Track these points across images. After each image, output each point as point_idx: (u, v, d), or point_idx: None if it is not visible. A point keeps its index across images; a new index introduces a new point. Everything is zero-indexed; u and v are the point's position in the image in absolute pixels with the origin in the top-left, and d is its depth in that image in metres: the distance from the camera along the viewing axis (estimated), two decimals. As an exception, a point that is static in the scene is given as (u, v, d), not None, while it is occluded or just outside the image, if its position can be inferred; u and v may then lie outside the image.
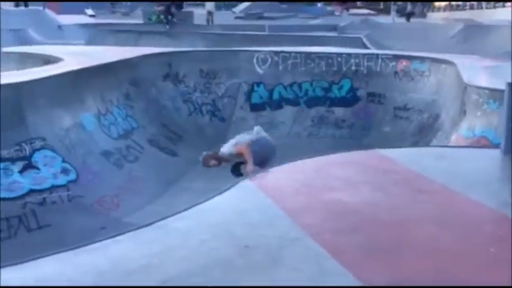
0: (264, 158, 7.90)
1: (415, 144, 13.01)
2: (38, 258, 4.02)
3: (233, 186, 5.71)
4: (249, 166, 7.68)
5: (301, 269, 3.98)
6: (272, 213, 4.94)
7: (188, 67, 15.61)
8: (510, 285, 3.78)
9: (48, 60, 14.04)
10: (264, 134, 8.56)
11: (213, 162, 8.60)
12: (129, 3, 54.74)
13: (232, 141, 8.43)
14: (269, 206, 5.12)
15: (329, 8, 65.13)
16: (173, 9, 31.03)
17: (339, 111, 15.56)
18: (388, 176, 6.11)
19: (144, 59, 15.27)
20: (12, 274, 3.77)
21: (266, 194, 5.43)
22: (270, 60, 16.02)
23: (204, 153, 8.81)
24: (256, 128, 8.70)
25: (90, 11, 44.39)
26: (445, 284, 3.81)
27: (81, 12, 41.30)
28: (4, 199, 9.72)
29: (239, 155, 8.05)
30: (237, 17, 46.60)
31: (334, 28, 33.89)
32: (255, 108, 15.77)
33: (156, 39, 23.16)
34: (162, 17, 30.55)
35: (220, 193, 5.38)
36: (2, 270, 3.72)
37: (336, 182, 5.90)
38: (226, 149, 8.43)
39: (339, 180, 5.93)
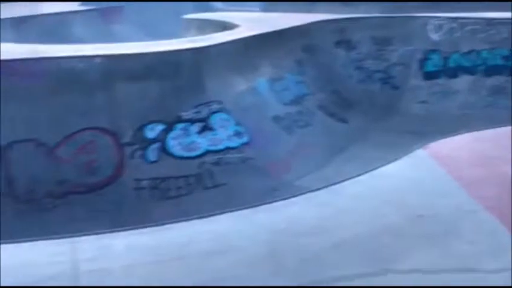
0: None
1: None
2: (216, 214, 4.20)
3: (406, 155, 5.57)
4: None
5: (477, 242, 3.81)
6: (446, 183, 4.77)
7: (361, 34, 15.31)
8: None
9: (226, 26, 14.44)
10: None
11: None
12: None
13: None
14: (443, 176, 4.95)
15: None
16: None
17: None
18: None
19: (317, 25, 15.20)
20: (190, 228, 3.98)
21: (440, 164, 5.24)
22: (446, 26, 15.28)
23: None
24: None
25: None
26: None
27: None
28: (183, 158, 10.28)
29: None
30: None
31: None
32: (429, 76, 15.16)
33: (330, 6, 22.98)
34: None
35: (393, 161, 5.27)
36: (186, 222, 3.94)
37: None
38: None
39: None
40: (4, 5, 21.42)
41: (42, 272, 3.54)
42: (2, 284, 3.42)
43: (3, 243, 4.30)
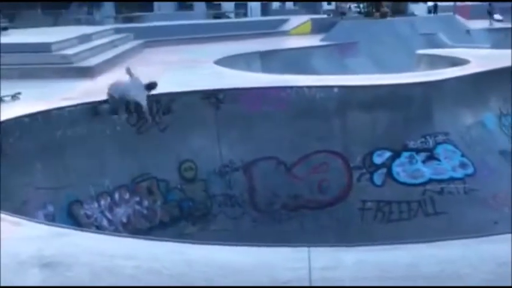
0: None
1: None
2: (441, 240, 4.09)
3: None
4: None
5: None
6: None
7: None
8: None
9: (455, 62, 14.00)
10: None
11: None
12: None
13: None
14: None
15: None
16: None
17: None
18: None
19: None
20: (415, 251, 3.93)
21: None
22: None
23: None
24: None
25: (498, 16, 42.63)
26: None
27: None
28: (407, 184, 10.15)
29: None
30: None
31: None
32: None
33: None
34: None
35: None
36: (412, 245, 3.90)
37: None
38: None
39: None
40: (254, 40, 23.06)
41: (279, 275, 3.74)
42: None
43: (241, 245, 4.64)
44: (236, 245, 4.65)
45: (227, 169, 9.96)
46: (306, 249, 3.97)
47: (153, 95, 9.40)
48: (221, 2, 45.56)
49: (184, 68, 14.43)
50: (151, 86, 9.31)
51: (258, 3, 46.17)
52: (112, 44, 17.77)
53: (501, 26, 33.46)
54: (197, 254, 4.20)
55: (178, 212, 9.65)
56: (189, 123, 9.90)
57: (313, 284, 3.57)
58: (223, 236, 9.04)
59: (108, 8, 35.00)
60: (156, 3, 41.98)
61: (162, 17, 32.62)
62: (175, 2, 43.01)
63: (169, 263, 3.92)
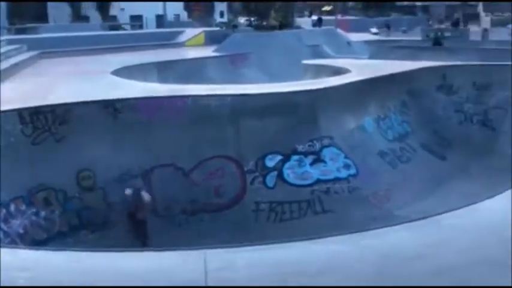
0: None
1: None
2: (326, 237, 4.21)
3: (502, 191, 5.30)
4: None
5: None
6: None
7: (462, 79, 14.82)
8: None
9: (337, 71, 14.51)
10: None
11: None
12: (406, 22, 53.84)
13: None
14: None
15: None
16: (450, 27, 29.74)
17: None
18: None
19: (420, 71, 14.92)
20: (303, 248, 4.00)
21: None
22: (544, 74, 14.44)
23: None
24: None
25: (374, 29, 44.75)
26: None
27: (367, 30, 41.93)
28: (297, 185, 10.37)
29: None
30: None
31: None
32: (527, 119, 14.36)
33: (433, 54, 22.42)
34: (439, 34, 29.48)
35: (489, 197, 5.04)
36: (300, 242, 3.98)
37: None
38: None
39: None
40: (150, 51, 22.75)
41: (177, 277, 3.69)
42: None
43: (140, 250, 4.54)
44: (135, 251, 4.54)
45: (126, 177, 9.70)
46: (202, 251, 3.94)
47: (48, 105, 9.01)
48: (116, 15, 44.49)
49: (81, 79, 13.93)
50: None
51: (154, 16, 45.60)
52: (5, 55, 16.85)
53: (377, 38, 35.10)
54: (96, 262, 4.05)
55: (77, 221, 9.30)
56: (86, 132, 9.56)
57: (209, 285, 3.55)
58: (124, 243, 8.79)
59: (0, 18, 33.13)
60: (51, 15, 40.40)
61: (57, 28, 31.33)
62: (71, 14, 41.59)
63: (66, 272, 3.75)
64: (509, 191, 5.23)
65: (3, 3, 34.04)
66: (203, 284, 3.53)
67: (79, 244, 8.64)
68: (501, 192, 5.19)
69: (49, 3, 41.01)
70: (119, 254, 4.41)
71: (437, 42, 26.18)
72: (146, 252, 4.55)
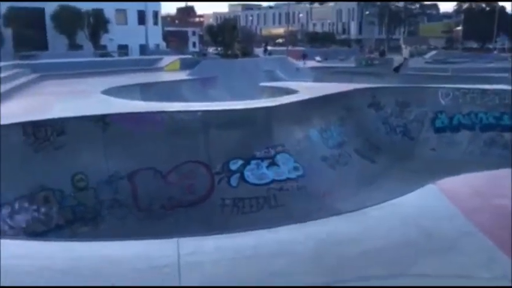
0: None
1: None
2: (278, 226, 4.22)
3: (419, 188, 5.43)
4: None
5: (473, 256, 3.68)
6: (450, 211, 4.62)
7: (387, 98, 15.16)
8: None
9: (288, 91, 14.63)
10: None
11: None
12: (343, 52, 54.74)
13: None
14: (448, 205, 4.79)
15: (503, 55, 58.65)
16: (378, 56, 30.47)
17: (508, 136, 13.99)
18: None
19: (355, 91, 15.18)
20: (259, 236, 4.01)
21: (446, 196, 5.08)
22: (451, 94, 14.93)
23: None
24: None
25: (318, 58, 45.39)
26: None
27: (313, 59, 42.56)
28: (256, 184, 10.38)
29: None
30: (426, 62, 44.13)
31: (506, 70, 30.43)
32: (438, 131, 14.80)
33: (365, 77, 22.89)
34: (369, 61, 30.13)
35: (409, 192, 5.16)
36: (257, 231, 3.99)
37: (506, 190, 5.31)
38: None
39: (508, 189, 5.33)
40: (134, 74, 22.44)
41: (154, 262, 3.65)
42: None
43: (123, 240, 4.47)
44: (119, 240, 4.46)
45: (113, 178, 9.55)
46: (175, 239, 3.91)
47: (48, 119, 8.80)
48: (107, 44, 43.82)
49: (76, 97, 13.67)
50: None
51: (138, 45, 45.16)
52: (12, 77, 16.41)
53: (320, 65, 35.54)
54: (86, 250, 3.97)
55: (72, 216, 9.08)
56: (80, 142, 9.39)
57: (182, 267, 3.53)
58: (112, 233, 8.64)
59: (8, 46, 32.29)
60: (50, 43, 39.65)
61: (56, 55, 30.66)
62: (68, 44, 40.83)
63: (61, 259, 3.66)
64: (424, 188, 5.37)
65: (8, 35, 33.39)
66: (177, 267, 3.50)
67: (74, 235, 8.47)
68: (417, 189, 5.32)
69: (48, 33, 40.37)
70: (107, 243, 4.33)
71: (368, 67, 26.73)
72: (130, 241, 4.47)
